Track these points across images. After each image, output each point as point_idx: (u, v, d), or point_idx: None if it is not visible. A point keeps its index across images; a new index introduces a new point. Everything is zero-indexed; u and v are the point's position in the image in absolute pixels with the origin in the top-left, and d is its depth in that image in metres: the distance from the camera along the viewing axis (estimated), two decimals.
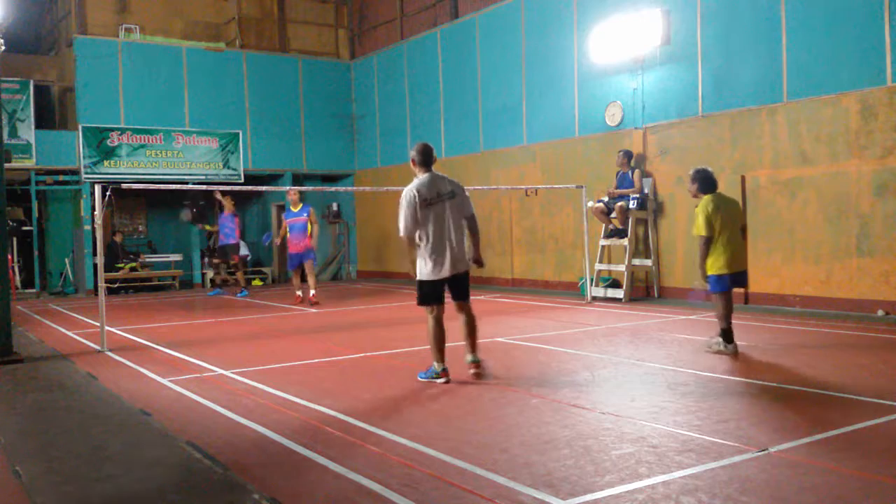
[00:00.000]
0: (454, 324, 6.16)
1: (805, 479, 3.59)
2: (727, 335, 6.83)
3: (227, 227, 14.74)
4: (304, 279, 12.79)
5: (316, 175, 18.87)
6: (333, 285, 17.00)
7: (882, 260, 9.10)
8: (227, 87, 17.32)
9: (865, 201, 9.24)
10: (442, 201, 5.91)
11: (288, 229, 12.50)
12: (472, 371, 6.02)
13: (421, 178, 5.99)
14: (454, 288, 6.04)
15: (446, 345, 6.02)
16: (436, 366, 5.97)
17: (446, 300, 6.05)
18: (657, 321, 9.22)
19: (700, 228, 6.78)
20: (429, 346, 6.06)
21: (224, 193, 14.71)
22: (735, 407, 4.95)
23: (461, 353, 6.24)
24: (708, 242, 6.78)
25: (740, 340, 7.40)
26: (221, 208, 15.03)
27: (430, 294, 5.98)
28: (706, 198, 6.87)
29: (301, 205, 12.60)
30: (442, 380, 5.91)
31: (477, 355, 6.10)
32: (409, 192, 5.89)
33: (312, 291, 12.43)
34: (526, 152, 14.06)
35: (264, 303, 13.11)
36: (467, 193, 6.16)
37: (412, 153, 6.05)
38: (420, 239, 5.89)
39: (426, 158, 6.00)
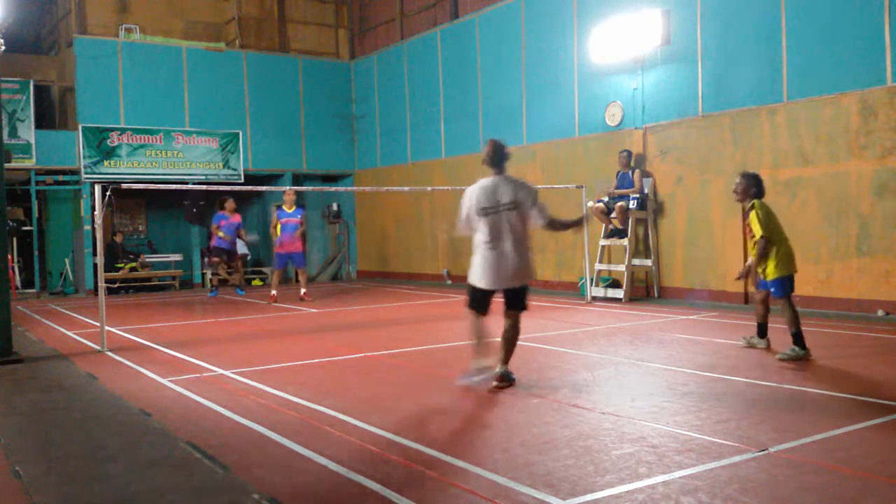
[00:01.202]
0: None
1: (805, 479, 3.59)
2: (798, 339, 6.54)
3: (232, 234, 14.54)
4: (285, 280, 12.95)
5: (316, 175, 18.86)
6: (333, 285, 16.99)
7: (882, 260, 9.10)
8: (227, 87, 17.32)
9: (865, 201, 9.24)
10: (499, 212, 5.39)
11: (281, 228, 12.69)
12: (493, 383, 5.55)
13: (485, 180, 5.47)
14: (507, 298, 5.68)
15: (486, 341, 5.72)
16: (473, 363, 5.73)
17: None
18: (657, 321, 9.21)
19: (762, 230, 6.63)
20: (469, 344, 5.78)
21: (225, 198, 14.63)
22: (735, 407, 4.95)
23: (465, 352, 6.23)
24: (767, 244, 6.66)
25: (741, 340, 7.40)
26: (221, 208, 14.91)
27: (472, 299, 5.69)
28: (757, 202, 6.76)
29: (296, 206, 12.89)
30: (477, 378, 5.64)
31: (507, 368, 5.66)
32: (468, 193, 5.46)
33: (303, 290, 12.96)
34: (526, 152, 14.05)
35: (264, 303, 13.11)
36: (537, 200, 5.55)
37: (484, 150, 5.55)
38: (474, 242, 5.56)
39: (496, 159, 5.47)
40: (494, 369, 5.64)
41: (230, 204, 14.39)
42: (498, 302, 5.78)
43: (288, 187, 13.27)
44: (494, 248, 5.42)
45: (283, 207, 12.89)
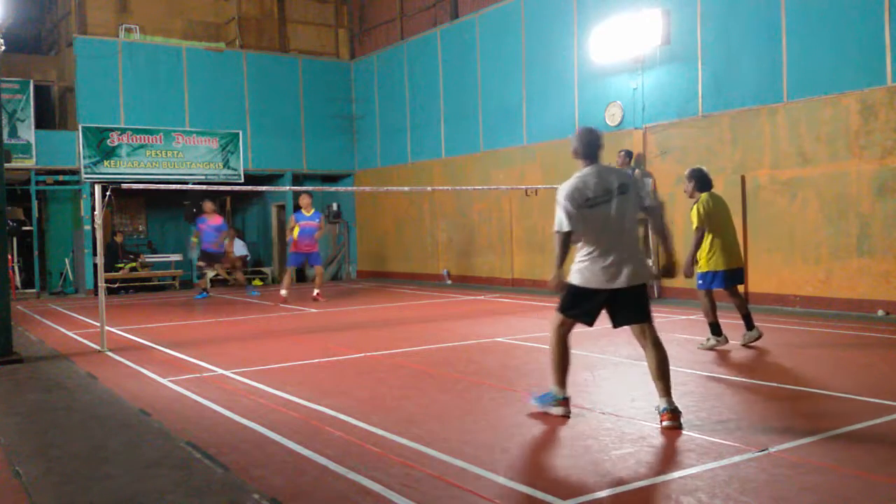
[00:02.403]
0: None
1: (805, 479, 3.59)
2: (715, 328, 7.04)
3: (213, 237, 14.17)
4: (299, 280, 12.92)
5: (316, 175, 18.87)
6: (333, 285, 16.98)
7: (882, 260, 9.10)
8: (227, 87, 17.32)
9: (865, 201, 9.24)
10: (609, 200, 4.62)
11: (299, 231, 12.89)
12: (664, 423, 4.45)
13: (584, 171, 4.74)
14: (624, 307, 4.69)
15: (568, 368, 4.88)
16: (554, 390, 4.82)
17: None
18: (657, 321, 9.18)
19: (694, 220, 6.96)
20: (552, 368, 4.87)
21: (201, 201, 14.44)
22: (735, 407, 4.95)
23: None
24: (702, 236, 6.94)
25: (740, 340, 7.40)
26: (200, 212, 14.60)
27: (573, 303, 4.72)
28: (703, 195, 7.06)
29: (313, 210, 13.14)
30: (559, 409, 4.77)
31: (672, 401, 4.51)
32: (568, 187, 4.66)
33: (317, 290, 13.07)
34: (526, 152, 14.05)
35: (264, 303, 13.11)
36: (642, 183, 4.93)
37: (573, 142, 4.82)
38: (581, 242, 4.68)
39: (590, 150, 4.78)
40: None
41: (208, 205, 14.15)
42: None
43: (304, 193, 13.45)
44: (608, 242, 4.65)
45: (301, 211, 13.07)
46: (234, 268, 15.25)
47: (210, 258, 14.32)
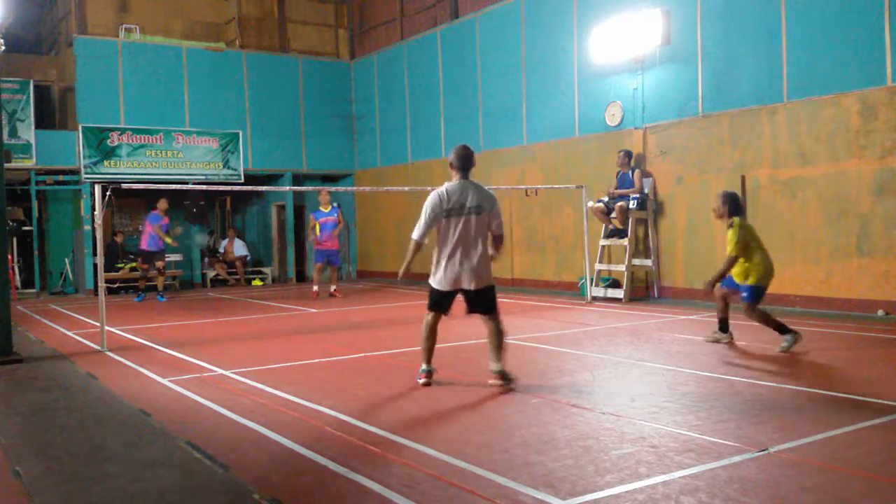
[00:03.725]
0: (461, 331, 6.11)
1: (805, 479, 3.59)
2: (784, 328, 6.96)
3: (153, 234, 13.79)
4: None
5: (316, 175, 18.87)
6: (324, 285, 16.96)
7: (882, 260, 9.10)
8: (227, 87, 17.32)
9: (865, 201, 9.24)
10: (464, 214, 5.60)
11: (319, 228, 13.23)
12: (492, 381, 5.66)
13: (451, 183, 5.71)
14: (472, 303, 5.76)
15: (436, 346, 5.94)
16: (423, 366, 5.89)
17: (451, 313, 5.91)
18: (657, 321, 9.21)
19: (734, 249, 6.99)
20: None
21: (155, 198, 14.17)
22: (735, 407, 4.95)
23: (461, 354, 6.23)
24: (734, 262, 7.03)
25: (742, 340, 7.41)
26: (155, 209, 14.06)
27: (435, 301, 5.84)
28: (737, 220, 7.09)
29: (331, 206, 13.44)
30: (422, 380, 5.83)
31: (502, 366, 5.67)
32: (434, 195, 5.65)
33: (334, 287, 13.64)
34: (526, 152, 14.06)
35: (264, 303, 13.12)
36: (498, 209, 5.84)
37: (451, 155, 5.78)
38: (437, 245, 5.74)
39: (463, 163, 5.69)
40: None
41: (163, 203, 13.85)
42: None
43: (322, 188, 13.83)
44: (455, 250, 5.68)
45: (320, 208, 13.39)
46: (160, 270, 14.08)
47: (152, 257, 13.84)
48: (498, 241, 5.82)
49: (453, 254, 5.62)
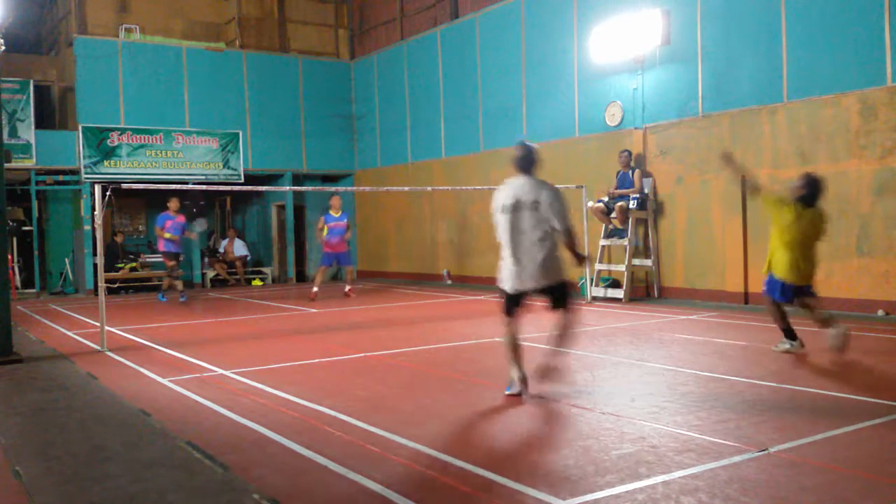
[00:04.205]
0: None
1: (805, 479, 3.59)
2: (790, 333, 6.87)
3: (180, 235, 13.55)
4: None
5: (316, 175, 18.87)
6: (334, 285, 16.98)
7: (882, 260, 9.10)
8: (227, 87, 17.32)
9: (865, 201, 9.23)
10: (519, 210, 5.35)
11: (328, 231, 13.35)
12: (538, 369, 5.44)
13: (508, 181, 5.54)
14: (547, 299, 5.45)
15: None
16: (512, 373, 5.46)
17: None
18: (657, 321, 9.21)
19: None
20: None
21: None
22: (735, 407, 4.95)
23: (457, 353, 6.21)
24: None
25: (740, 340, 7.41)
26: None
27: (504, 304, 5.55)
28: (795, 204, 6.72)
29: (342, 211, 13.54)
30: (514, 390, 5.41)
31: (553, 357, 5.44)
32: (495, 194, 5.51)
33: (348, 287, 13.87)
34: None
35: (264, 303, 13.12)
36: (560, 203, 5.40)
37: (513, 153, 5.56)
38: (501, 245, 5.45)
39: (522, 163, 5.49)
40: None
41: (174, 203, 13.51)
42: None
43: (334, 194, 13.92)
44: (515, 249, 5.41)
45: (331, 212, 13.50)
46: (173, 270, 13.68)
47: (175, 258, 13.59)
48: (563, 238, 5.41)
49: (515, 252, 5.36)
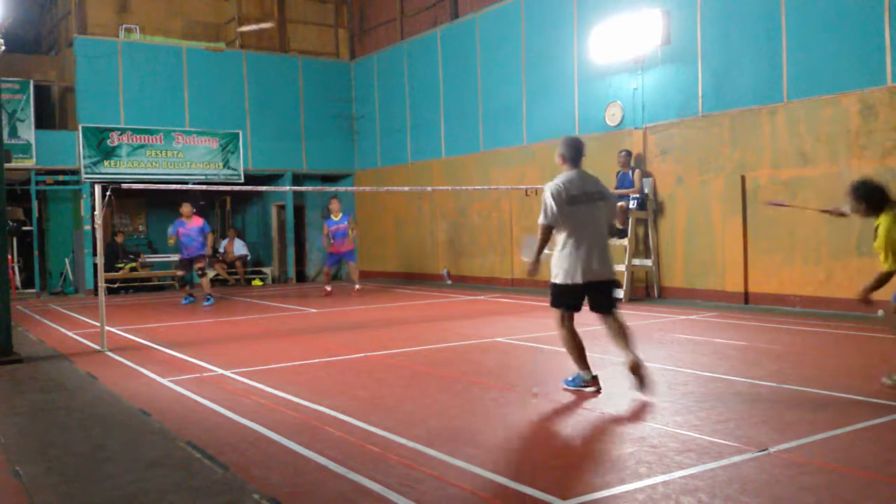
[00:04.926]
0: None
1: (805, 479, 3.59)
2: None
3: (197, 240, 13.02)
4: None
5: (316, 175, 18.86)
6: (333, 285, 16.97)
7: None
8: (227, 87, 17.32)
9: None
10: (591, 201, 5.37)
11: (332, 235, 13.71)
12: (631, 372, 5.27)
13: (568, 173, 5.45)
14: (594, 296, 5.41)
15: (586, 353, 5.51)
16: (583, 374, 5.46)
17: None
18: (657, 321, 9.21)
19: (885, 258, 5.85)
20: (568, 354, 5.53)
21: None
22: (735, 407, 4.95)
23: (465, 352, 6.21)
24: (888, 276, 5.80)
25: (740, 340, 7.40)
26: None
27: (560, 298, 5.43)
28: (887, 217, 5.79)
29: (342, 214, 13.82)
30: (591, 388, 5.39)
31: (635, 353, 5.32)
32: (554, 185, 5.38)
33: (357, 286, 14.14)
34: (526, 152, 14.05)
35: (264, 303, 13.11)
36: (614, 200, 5.67)
37: (560, 147, 5.50)
38: (560, 237, 5.41)
39: (576, 154, 5.48)
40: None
41: (186, 208, 12.94)
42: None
43: (333, 198, 14.11)
44: (582, 239, 5.37)
45: (331, 217, 13.73)
46: (202, 271, 13.33)
47: (188, 266, 13.27)
48: (612, 230, 5.48)
49: (581, 244, 5.30)
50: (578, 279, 5.31)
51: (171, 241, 13.29)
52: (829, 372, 6.12)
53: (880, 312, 9.05)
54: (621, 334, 5.39)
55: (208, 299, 12.94)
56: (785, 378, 5.82)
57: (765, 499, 3.33)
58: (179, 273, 13.61)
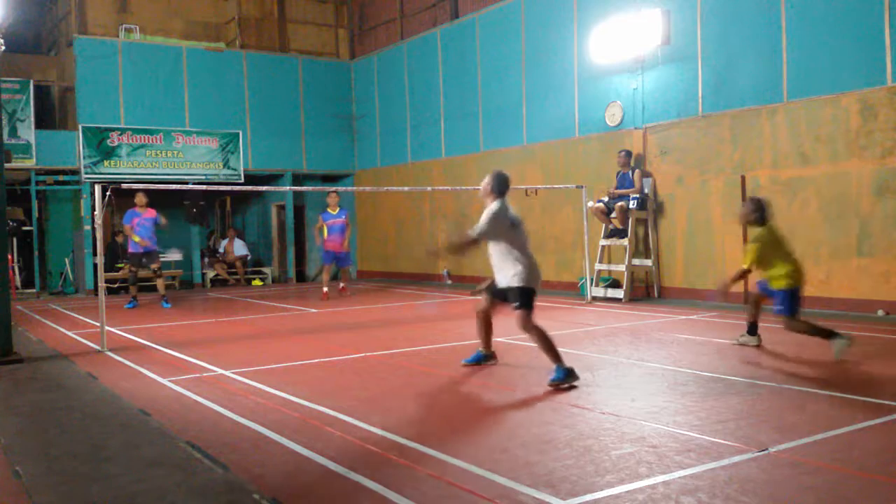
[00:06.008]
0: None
1: (805, 479, 3.59)
2: (831, 332, 6.62)
3: (151, 231, 12.73)
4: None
5: (316, 175, 18.87)
6: (333, 285, 16.97)
7: (882, 260, 9.10)
8: (227, 87, 17.32)
9: (865, 201, 9.24)
10: (521, 225, 6.27)
11: (327, 229, 13.23)
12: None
13: (501, 203, 6.23)
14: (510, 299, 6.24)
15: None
16: (563, 366, 5.73)
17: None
18: (657, 321, 9.21)
19: (746, 262, 6.86)
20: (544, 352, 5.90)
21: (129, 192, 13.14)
22: (735, 407, 4.95)
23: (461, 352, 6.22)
24: (746, 273, 6.98)
25: (735, 340, 7.40)
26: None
27: (531, 300, 6.07)
28: (761, 232, 6.89)
29: (339, 208, 13.39)
30: (574, 380, 5.69)
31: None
32: (500, 209, 6.18)
33: (342, 284, 13.99)
34: (526, 152, 14.05)
35: (264, 303, 13.12)
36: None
37: (489, 181, 6.23)
38: (497, 248, 6.21)
39: (504, 188, 6.28)
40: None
41: (140, 198, 12.56)
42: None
43: (332, 191, 13.71)
44: (530, 255, 6.23)
45: (329, 210, 13.37)
46: (156, 271, 12.99)
47: (139, 259, 12.81)
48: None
49: (528, 258, 6.14)
50: (538, 285, 6.19)
51: (128, 230, 12.64)
52: (830, 372, 6.12)
53: (880, 312, 9.08)
54: (491, 329, 6.63)
55: (166, 301, 12.68)
56: (785, 378, 5.82)
57: (765, 499, 3.33)
58: (133, 269, 12.87)
